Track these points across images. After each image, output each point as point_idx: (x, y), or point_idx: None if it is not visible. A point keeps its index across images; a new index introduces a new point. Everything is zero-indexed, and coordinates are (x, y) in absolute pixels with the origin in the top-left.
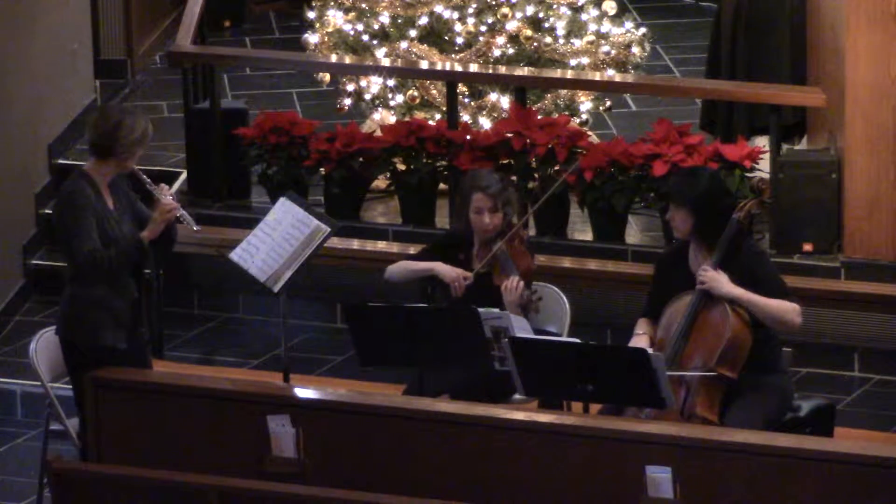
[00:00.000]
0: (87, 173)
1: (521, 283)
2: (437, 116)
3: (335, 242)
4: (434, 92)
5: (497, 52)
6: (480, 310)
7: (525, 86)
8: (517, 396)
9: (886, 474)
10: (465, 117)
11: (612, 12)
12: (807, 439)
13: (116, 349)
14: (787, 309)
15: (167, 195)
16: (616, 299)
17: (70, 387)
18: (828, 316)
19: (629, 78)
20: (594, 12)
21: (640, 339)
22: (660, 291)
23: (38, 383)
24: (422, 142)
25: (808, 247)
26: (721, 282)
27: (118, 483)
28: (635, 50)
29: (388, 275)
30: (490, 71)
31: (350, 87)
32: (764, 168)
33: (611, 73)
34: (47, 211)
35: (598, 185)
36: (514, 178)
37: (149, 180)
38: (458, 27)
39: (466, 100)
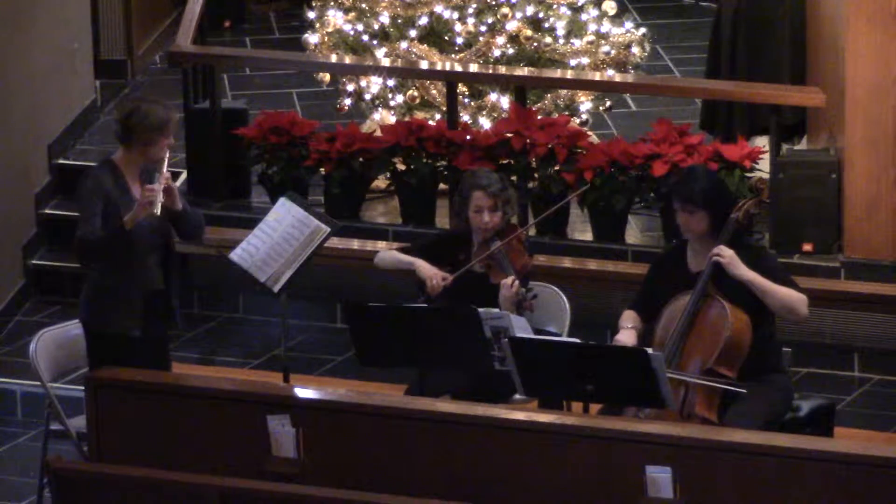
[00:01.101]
0: (112, 161)
1: (517, 282)
2: (437, 116)
3: (335, 242)
4: (434, 92)
5: (497, 52)
6: (480, 310)
7: (525, 86)
8: (517, 396)
9: (886, 474)
10: (465, 117)
11: (612, 12)
12: (807, 439)
13: (129, 337)
14: (796, 297)
15: (160, 181)
16: (616, 299)
17: (69, 387)
18: (828, 316)
19: (629, 78)
20: (594, 12)
21: (629, 333)
22: (652, 289)
23: (38, 383)
24: (422, 142)
25: (808, 247)
26: (738, 260)
27: (118, 483)
28: (635, 50)
29: (377, 261)
30: (490, 71)
31: (350, 87)
32: (764, 168)
33: (611, 73)
34: (47, 211)
35: (598, 185)
36: (514, 178)
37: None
38: (458, 27)
39: (466, 100)
